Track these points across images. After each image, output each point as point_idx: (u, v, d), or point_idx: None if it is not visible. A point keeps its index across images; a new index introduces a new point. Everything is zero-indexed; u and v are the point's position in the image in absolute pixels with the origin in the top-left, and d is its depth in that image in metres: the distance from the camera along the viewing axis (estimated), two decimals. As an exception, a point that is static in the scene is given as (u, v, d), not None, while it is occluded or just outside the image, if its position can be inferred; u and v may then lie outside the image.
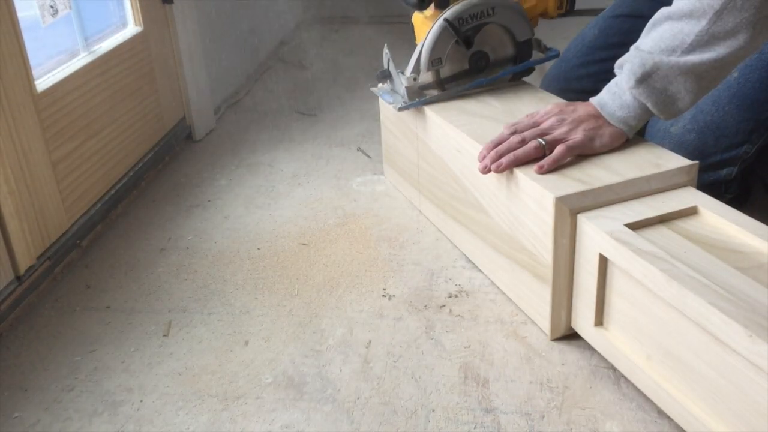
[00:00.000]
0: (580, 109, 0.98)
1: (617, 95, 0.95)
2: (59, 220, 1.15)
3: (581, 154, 0.95)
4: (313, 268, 1.14)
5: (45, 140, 1.11)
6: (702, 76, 0.89)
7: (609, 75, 0.98)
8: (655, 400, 0.82)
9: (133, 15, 1.42)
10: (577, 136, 0.95)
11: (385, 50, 1.20)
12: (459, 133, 1.07)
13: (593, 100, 0.98)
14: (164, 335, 1.00)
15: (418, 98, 1.18)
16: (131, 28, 1.42)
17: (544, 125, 0.98)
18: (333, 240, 1.21)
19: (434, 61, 1.16)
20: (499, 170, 0.95)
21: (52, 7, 1.15)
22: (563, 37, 1.30)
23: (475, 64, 1.20)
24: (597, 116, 0.97)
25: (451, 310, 1.02)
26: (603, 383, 0.88)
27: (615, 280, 0.85)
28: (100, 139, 1.27)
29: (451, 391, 0.88)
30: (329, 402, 0.87)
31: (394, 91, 1.23)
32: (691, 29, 0.88)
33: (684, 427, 0.78)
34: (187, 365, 0.94)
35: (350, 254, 1.17)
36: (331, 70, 2.08)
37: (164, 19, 1.51)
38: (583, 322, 0.92)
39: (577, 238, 0.89)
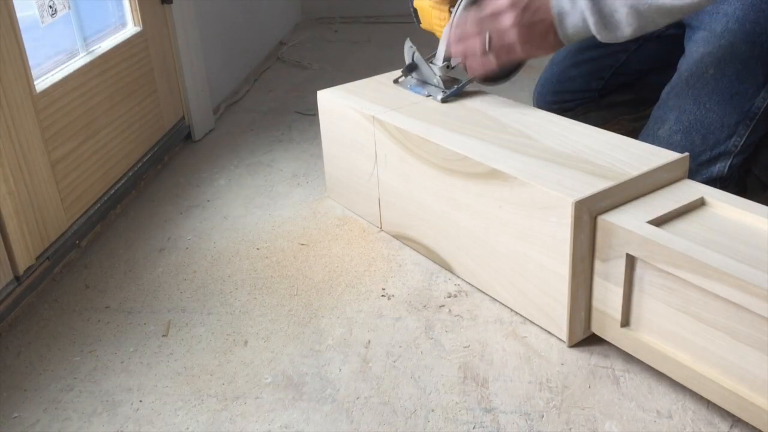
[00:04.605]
0: None
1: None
2: (58, 220, 1.15)
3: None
4: (312, 268, 1.14)
5: (44, 140, 1.11)
6: (642, 15, 0.91)
7: (600, 72, 0.98)
8: (694, 389, 0.81)
9: (132, 15, 1.42)
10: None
11: (408, 44, 1.19)
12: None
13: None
14: (163, 335, 1.00)
15: (456, 85, 1.16)
16: (130, 28, 1.42)
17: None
18: (332, 240, 1.21)
19: None
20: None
21: (51, 7, 1.15)
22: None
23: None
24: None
25: (450, 310, 1.02)
26: (602, 383, 0.88)
27: (645, 278, 0.83)
28: (99, 139, 1.27)
29: (450, 390, 0.88)
30: (328, 402, 0.87)
31: (423, 82, 1.21)
32: None
33: (738, 415, 0.77)
34: (186, 365, 0.94)
35: (349, 254, 1.17)
36: (331, 70, 2.08)
37: (163, 19, 1.51)
38: (606, 325, 0.90)
39: (597, 240, 0.86)
